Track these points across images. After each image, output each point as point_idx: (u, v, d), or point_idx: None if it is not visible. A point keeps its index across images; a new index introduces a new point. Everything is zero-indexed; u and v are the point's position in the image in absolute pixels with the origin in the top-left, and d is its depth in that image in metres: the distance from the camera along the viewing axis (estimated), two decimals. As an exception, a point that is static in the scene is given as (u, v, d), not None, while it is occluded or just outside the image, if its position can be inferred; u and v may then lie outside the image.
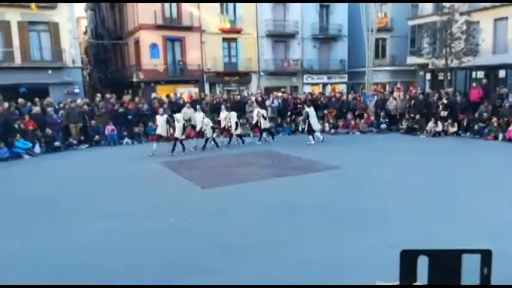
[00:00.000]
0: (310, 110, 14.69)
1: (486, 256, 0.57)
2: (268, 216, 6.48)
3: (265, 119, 15.23)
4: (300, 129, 18.16)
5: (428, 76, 26.99)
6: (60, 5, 21.86)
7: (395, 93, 18.72)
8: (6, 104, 14.39)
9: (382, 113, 17.65)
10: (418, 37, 27.17)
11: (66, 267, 4.67)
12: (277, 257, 4.82)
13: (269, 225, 6.05)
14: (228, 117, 14.56)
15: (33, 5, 20.21)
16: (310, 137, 14.46)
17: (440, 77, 23.32)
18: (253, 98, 19.02)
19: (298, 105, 18.87)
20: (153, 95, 19.93)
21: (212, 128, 13.65)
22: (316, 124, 14.77)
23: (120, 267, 4.66)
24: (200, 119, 13.73)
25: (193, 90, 24.53)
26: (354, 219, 6.18)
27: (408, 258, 0.57)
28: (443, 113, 16.11)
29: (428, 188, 7.91)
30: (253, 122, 15.78)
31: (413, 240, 5.04)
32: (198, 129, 13.97)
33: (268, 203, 7.21)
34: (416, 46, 26.63)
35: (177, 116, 13.15)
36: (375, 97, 18.78)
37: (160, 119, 13.00)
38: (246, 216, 6.53)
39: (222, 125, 14.81)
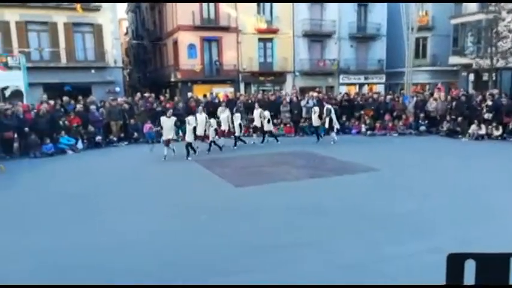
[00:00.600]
0: (332, 108, 14.85)
1: None
2: (301, 217, 6.43)
3: (268, 121, 14.84)
4: (335, 129, 17.95)
5: (471, 77, 25.88)
6: (104, 7, 22.73)
7: (435, 94, 18.05)
8: (52, 102, 15.13)
9: (421, 115, 17.09)
10: (461, 36, 26.12)
11: (96, 267, 4.85)
12: (310, 258, 4.78)
13: (302, 225, 6.00)
14: (263, 115, 14.62)
15: (78, 7, 21.13)
16: (333, 133, 14.62)
17: (485, 78, 22.31)
18: (288, 98, 18.99)
19: (334, 106, 18.64)
20: (189, 94, 20.32)
21: (215, 130, 13.31)
22: (336, 122, 14.87)
23: (151, 267, 4.75)
24: (203, 121, 12.77)
25: (229, 90, 24.78)
26: (390, 222, 6.03)
27: (455, 262, 0.56)
28: (488, 116, 15.38)
29: (468, 192, 7.58)
30: (256, 123, 15.17)
31: (451, 244, 4.86)
32: (199, 132, 12.63)
33: (301, 203, 7.16)
34: (459, 45, 25.62)
35: (189, 118, 12.56)
36: (414, 98, 18.21)
37: (167, 122, 11.93)
38: (278, 216, 6.52)
39: (255, 123, 14.78)
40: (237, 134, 14.12)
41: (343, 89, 26.94)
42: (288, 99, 18.79)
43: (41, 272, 4.56)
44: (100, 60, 23.04)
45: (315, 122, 15.10)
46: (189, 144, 12.21)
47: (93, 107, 15.44)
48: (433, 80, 28.66)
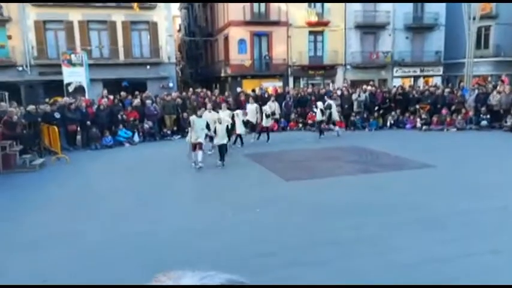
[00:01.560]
0: (333, 103, 15.28)
1: None
2: (353, 213, 6.33)
3: (267, 117, 14.14)
4: (389, 124, 17.41)
5: (541, 67, 23.87)
6: (159, 5, 23.54)
7: (499, 87, 16.87)
8: (111, 97, 15.98)
9: (483, 109, 16.08)
10: (529, 23, 24.15)
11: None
12: (367, 255, 4.71)
13: (357, 221, 5.91)
14: (258, 110, 14.44)
15: (135, 5, 22.05)
16: (336, 127, 15.15)
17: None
18: (338, 92, 18.64)
19: (387, 99, 18.05)
20: (239, 89, 20.57)
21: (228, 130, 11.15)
22: (336, 116, 15.31)
23: (219, 256, 4.92)
24: (253, 110, 12.87)
25: (278, 84, 24.77)
26: (447, 221, 5.76)
27: None
28: (560, 109, 14.18)
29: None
30: (250, 119, 14.17)
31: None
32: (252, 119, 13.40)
33: (352, 199, 7.04)
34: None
35: (237, 112, 12.59)
36: (476, 91, 17.16)
37: (199, 122, 9.94)
38: (331, 211, 6.46)
39: (249, 118, 14.02)
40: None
41: (397, 82, 25.95)
42: (338, 93, 18.45)
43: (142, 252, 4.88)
44: (155, 57, 23.92)
45: (319, 116, 15.03)
46: (238, 136, 12.49)
47: (148, 102, 16.10)
48: (497, 71, 26.77)
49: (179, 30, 45.01)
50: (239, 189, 8.03)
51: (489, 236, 5.10)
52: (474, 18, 21.73)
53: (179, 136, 15.90)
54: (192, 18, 37.83)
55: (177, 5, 41.56)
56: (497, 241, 4.88)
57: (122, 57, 23.38)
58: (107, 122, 14.67)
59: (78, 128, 14.55)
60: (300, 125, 18.09)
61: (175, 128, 16.32)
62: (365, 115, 17.68)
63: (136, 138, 15.05)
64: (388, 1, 27.54)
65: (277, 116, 18.05)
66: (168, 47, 24.53)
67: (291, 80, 27.59)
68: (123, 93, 16.78)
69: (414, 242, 5.04)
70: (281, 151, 12.23)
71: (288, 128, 17.98)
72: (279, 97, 18.59)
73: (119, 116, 15.02)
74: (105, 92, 16.88)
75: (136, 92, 17.28)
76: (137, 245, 5.15)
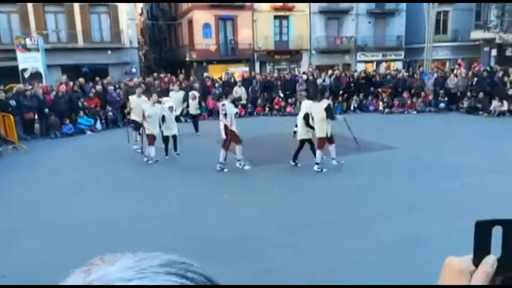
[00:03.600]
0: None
1: None
2: (327, 195, 6.47)
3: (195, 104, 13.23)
4: (352, 107, 17.75)
5: (494, 52, 24.99)
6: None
7: (456, 71, 17.58)
8: (71, 83, 15.35)
9: (441, 92, 16.73)
10: (484, 9, 25.14)
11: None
12: (345, 234, 4.86)
13: (330, 204, 6.05)
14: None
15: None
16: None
17: (509, 53, 21.54)
18: (304, 77, 18.79)
19: (351, 84, 18.40)
20: (205, 74, 20.32)
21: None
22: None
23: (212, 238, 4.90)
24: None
25: (244, 69, 24.63)
26: (417, 202, 6.02)
27: (482, 229, 0.55)
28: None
29: (493, 171, 7.46)
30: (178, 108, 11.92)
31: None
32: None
33: (323, 182, 7.21)
34: (482, 19, 24.68)
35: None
36: (435, 75, 17.79)
37: (153, 109, 9.18)
38: (303, 195, 6.57)
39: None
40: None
41: (361, 67, 26.44)
42: (304, 78, 18.60)
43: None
44: (116, 41, 23.10)
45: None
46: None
47: (110, 88, 15.60)
48: (454, 56, 27.80)
49: (141, 14, 43.58)
50: (205, 175, 7.98)
51: (455, 215, 5.36)
52: (433, 4, 22.38)
53: (144, 123, 15.55)
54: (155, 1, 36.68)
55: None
56: (463, 220, 5.13)
57: (80, 42, 22.40)
58: (66, 110, 14.11)
59: (36, 116, 13.93)
60: (267, 110, 18.16)
61: (139, 115, 15.93)
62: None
63: (98, 125, 14.61)
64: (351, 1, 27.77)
65: (243, 102, 18.06)
66: (130, 31, 23.73)
67: (257, 65, 27.49)
68: (81, 79, 16.13)
69: (391, 223, 5.24)
70: (251, 137, 12.19)
71: (255, 113, 18.00)
72: (246, 82, 18.54)
73: (79, 103, 14.49)
74: (64, 78, 16.19)
75: (98, 78, 16.69)
76: (110, 233, 5.04)
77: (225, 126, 8.00)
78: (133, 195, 6.75)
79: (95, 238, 4.85)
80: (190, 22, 26.67)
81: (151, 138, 8.97)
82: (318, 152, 7.90)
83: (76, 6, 22.05)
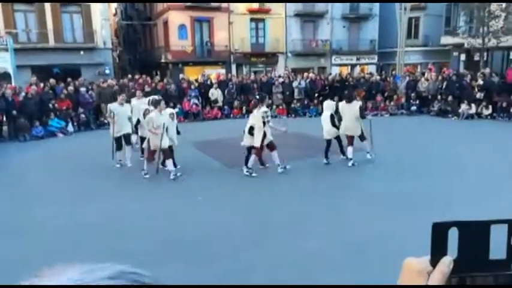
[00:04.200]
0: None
1: None
2: (299, 197, 6.51)
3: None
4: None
5: (462, 57, 25.86)
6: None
7: (427, 75, 18.10)
8: (41, 85, 14.90)
9: (413, 95, 17.17)
10: (453, 16, 26.01)
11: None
12: (315, 235, 4.87)
13: (302, 205, 6.09)
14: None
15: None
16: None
17: (476, 58, 22.33)
18: (280, 79, 18.91)
19: (326, 87, 18.63)
20: (181, 76, 20.14)
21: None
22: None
23: (164, 241, 4.83)
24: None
25: (221, 72, 24.57)
26: (386, 200, 6.14)
27: (439, 231, 0.57)
28: (479, 95, 15.51)
29: (460, 171, 7.71)
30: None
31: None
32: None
33: (299, 184, 7.26)
34: (452, 25, 25.54)
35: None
36: (406, 78, 18.26)
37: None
38: (278, 195, 6.59)
39: None
40: None
41: (335, 70, 26.83)
42: (280, 81, 18.73)
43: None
44: (89, 42, 22.60)
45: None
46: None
47: (83, 89, 15.25)
48: (425, 60, 28.64)
49: (115, 14, 42.84)
50: (179, 178, 7.89)
51: (421, 212, 5.50)
52: (405, 9, 22.98)
53: (117, 125, 15.28)
54: (129, 2, 36.12)
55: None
56: (424, 217, 5.28)
57: (52, 42, 21.79)
58: (36, 111, 13.69)
59: (4, 118, 13.46)
60: (244, 112, 18.16)
61: (113, 117, 15.64)
62: (305, 102, 18.14)
63: (70, 128, 14.25)
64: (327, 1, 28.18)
65: (220, 104, 18.02)
66: (104, 32, 23.28)
67: (233, 67, 27.48)
68: (52, 80, 15.70)
69: (360, 220, 5.36)
70: (228, 138, 12.15)
71: (232, 115, 17.97)
72: (222, 84, 18.51)
73: (50, 105, 14.09)
74: (34, 79, 15.70)
75: (69, 79, 16.28)
76: (82, 238, 4.91)
77: (264, 133, 7.70)
78: (105, 199, 6.61)
79: (62, 241, 4.73)
80: (165, 23, 26.41)
81: (167, 153, 7.88)
82: (349, 148, 8.44)
83: (47, 5, 21.45)
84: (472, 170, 7.79)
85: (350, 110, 8.40)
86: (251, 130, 7.83)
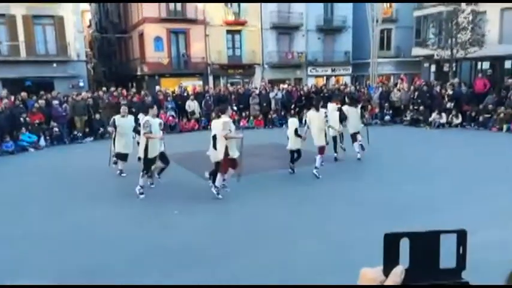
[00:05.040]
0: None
1: (462, 236, 0.60)
2: (275, 207, 6.53)
3: None
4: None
5: (433, 67, 26.75)
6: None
7: (399, 85, 18.62)
8: (12, 98, 14.50)
9: (386, 105, 17.58)
10: (423, 28, 26.91)
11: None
12: (304, 240, 4.89)
13: (291, 211, 6.11)
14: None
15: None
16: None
17: (446, 68, 23.13)
18: (257, 91, 19.04)
19: (302, 98, 18.86)
20: (157, 88, 20.01)
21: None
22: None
23: (146, 254, 4.74)
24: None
25: (197, 83, 24.56)
26: (354, 208, 6.23)
27: (391, 241, 0.60)
28: (449, 105, 16.03)
29: (434, 178, 7.93)
30: None
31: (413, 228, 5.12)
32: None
33: (277, 193, 7.28)
34: (422, 37, 26.39)
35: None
36: (380, 89, 18.71)
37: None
38: (262, 205, 6.59)
39: None
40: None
41: (311, 81, 27.24)
42: (257, 92, 18.86)
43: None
44: (62, 54, 22.21)
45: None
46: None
47: (55, 102, 14.93)
48: (397, 71, 29.43)
49: (89, 26, 42.32)
50: (156, 193, 7.79)
51: (401, 219, 5.61)
52: (377, 22, 23.64)
53: (91, 138, 15.03)
54: (103, 14, 35.79)
55: (87, -2, 39.00)
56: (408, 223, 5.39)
57: (23, 54, 21.30)
58: (7, 126, 13.27)
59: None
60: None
61: (86, 130, 15.35)
62: (282, 113, 18.30)
63: (42, 142, 13.88)
64: (302, 1, 28.73)
65: (197, 115, 17.96)
66: (77, 44, 22.93)
67: (210, 78, 27.51)
68: (23, 94, 15.28)
69: (344, 225, 5.45)
70: (205, 150, 12.07)
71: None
72: (199, 96, 18.48)
73: (21, 119, 13.70)
74: (5, 92, 15.28)
75: (42, 92, 15.92)
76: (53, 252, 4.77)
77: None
78: (77, 212, 6.45)
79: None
80: (141, 35, 26.26)
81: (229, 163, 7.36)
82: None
83: (19, 17, 21.01)
84: (446, 177, 8.02)
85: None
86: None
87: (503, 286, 0.59)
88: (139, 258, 4.74)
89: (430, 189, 7.21)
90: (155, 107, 8.31)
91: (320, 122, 8.53)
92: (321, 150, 8.58)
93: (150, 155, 7.35)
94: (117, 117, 8.71)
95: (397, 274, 0.56)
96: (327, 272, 4.22)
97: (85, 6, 38.58)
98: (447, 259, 0.59)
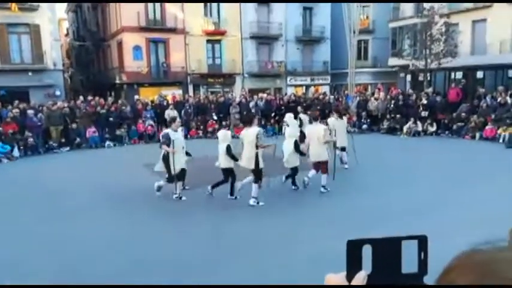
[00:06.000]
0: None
1: (422, 242, 0.62)
2: (259, 216, 6.52)
3: None
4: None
5: (408, 77, 27.44)
6: (42, 6, 21.50)
7: (376, 94, 19.01)
8: (-16, 107, 14.12)
9: (363, 114, 17.88)
10: (399, 39, 27.63)
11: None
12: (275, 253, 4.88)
13: (267, 221, 6.10)
14: None
15: (13, 6, 19.85)
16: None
17: (421, 78, 23.76)
18: (237, 100, 19.09)
19: (282, 107, 19.01)
20: (136, 97, 19.82)
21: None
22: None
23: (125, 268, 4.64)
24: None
25: (177, 92, 24.42)
26: (345, 216, 6.28)
27: (354, 248, 0.62)
28: (424, 113, 16.44)
29: (410, 187, 8.08)
30: None
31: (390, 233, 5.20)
32: None
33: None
34: (398, 48, 27.07)
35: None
36: (357, 98, 19.04)
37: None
38: (233, 215, 6.57)
39: None
40: None
41: (291, 90, 27.49)
42: (237, 101, 18.90)
43: None
44: (38, 63, 21.77)
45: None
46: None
47: (30, 112, 14.59)
48: (374, 80, 30.05)
49: (67, 35, 41.70)
50: (137, 202, 7.68)
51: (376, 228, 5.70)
52: (354, 32, 24.12)
53: (67, 148, 14.73)
54: (81, 22, 35.32)
55: (63, 7, 38.50)
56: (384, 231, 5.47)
57: (-3, 63, 20.80)
58: (-22, 136, 12.91)
59: None
60: (201, 133, 18.08)
61: (62, 140, 15.03)
62: (262, 122, 18.35)
63: (16, 152, 13.50)
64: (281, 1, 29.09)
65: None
66: (54, 52, 22.54)
67: (190, 87, 27.43)
68: (-4, 104, 14.91)
69: (314, 236, 5.45)
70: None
71: (189, 135, 17.82)
72: (178, 105, 18.38)
73: (-6, 129, 13.35)
74: (-23, 102, 14.87)
75: (17, 102, 15.54)
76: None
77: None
78: (51, 226, 6.29)
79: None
80: (120, 44, 26.04)
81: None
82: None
83: (-7, 25, 20.54)
84: (423, 184, 8.19)
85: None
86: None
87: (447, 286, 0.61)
88: (121, 272, 4.65)
89: (412, 195, 7.36)
90: (178, 120, 8.19)
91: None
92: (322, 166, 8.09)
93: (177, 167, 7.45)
94: (170, 132, 7.60)
95: (360, 279, 0.58)
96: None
97: (62, 14, 38.08)
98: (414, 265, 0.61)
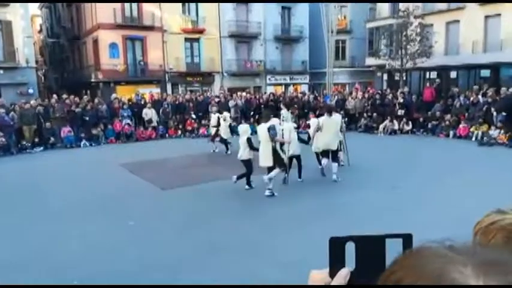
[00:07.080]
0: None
1: (407, 240, 0.62)
2: (235, 217, 6.50)
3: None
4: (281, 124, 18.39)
5: (385, 77, 27.96)
6: (14, 3, 20.80)
7: (353, 93, 19.27)
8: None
9: (341, 113, 18.07)
10: (375, 39, 28.08)
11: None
12: (252, 258, 4.87)
13: (240, 225, 6.08)
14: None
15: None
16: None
17: (397, 78, 24.25)
18: (216, 99, 19.00)
19: (261, 106, 19.04)
20: (113, 95, 19.45)
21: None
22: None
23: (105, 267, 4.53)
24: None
25: (155, 91, 24.09)
26: (324, 213, 6.33)
27: (337, 245, 0.61)
28: (400, 112, 16.77)
29: (384, 182, 8.23)
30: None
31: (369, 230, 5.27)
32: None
33: (229, 204, 7.24)
34: (374, 48, 27.50)
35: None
36: (335, 97, 19.24)
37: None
38: (208, 217, 6.53)
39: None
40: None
41: (270, 89, 27.55)
42: (216, 100, 18.81)
43: None
44: (9, 60, 21.07)
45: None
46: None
47: (2, 111, 14.13)
48: (352, 80, 30.47)
49: (40, 31, 40.57)
50: (114, 202, 7.54)
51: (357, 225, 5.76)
52: (332, 32, 24.33)
53: (41, 148, 14.34)
54: (55, 19, 34.42)
55: (36, 3, 37.40)
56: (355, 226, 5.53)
57: (-34, 60, 20.04)
58: None
59: None
60: (180, 132, 17.91)
61: (36, 140, 14.62)
62: (242, 121, 18.32)
63: (-13, 153, 13.05)
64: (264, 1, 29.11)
65: (154, 124, 17.60)
66: (26, 50, 21.87)
67: (169, 86, 27.13)
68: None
69: (290, 241, 5.42)
70: (163, 159, 11.88)
71: (167, 135, 17.63)
72: (156, 104, 18.15)
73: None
74: None
75: (-14, 100, 15.01)
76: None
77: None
78: (21, 232, 6.10)
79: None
80: (95, 41, 25.50)
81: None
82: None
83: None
84: (403, 181, 8.35)
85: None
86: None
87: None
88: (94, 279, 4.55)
89: (391, 193, 7.49)
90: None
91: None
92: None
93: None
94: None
95: (342, 276, 0.58)
96: None
97: (35, 11, 37.00)
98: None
